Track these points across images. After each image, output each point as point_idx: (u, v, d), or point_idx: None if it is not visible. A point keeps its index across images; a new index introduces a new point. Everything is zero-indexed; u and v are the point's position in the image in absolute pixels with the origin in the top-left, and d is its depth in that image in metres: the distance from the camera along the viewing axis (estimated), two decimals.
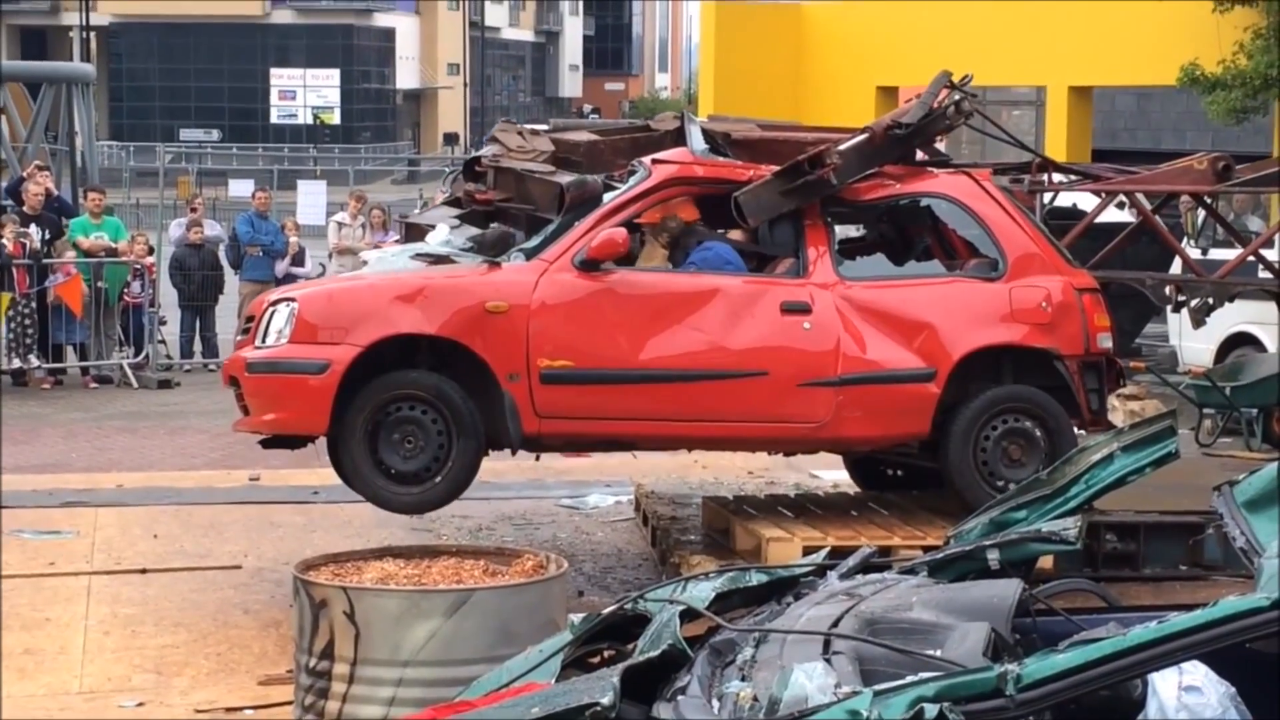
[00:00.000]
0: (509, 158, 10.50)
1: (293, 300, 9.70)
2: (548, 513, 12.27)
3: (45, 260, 19.48)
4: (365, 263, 10.81)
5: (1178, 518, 10.11)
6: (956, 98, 10.49)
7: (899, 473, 11.54)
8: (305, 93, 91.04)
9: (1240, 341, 17.01)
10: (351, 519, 11.92)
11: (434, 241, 10.36)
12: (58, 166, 26.52)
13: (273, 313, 9.69)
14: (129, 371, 19.78)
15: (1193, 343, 17.68)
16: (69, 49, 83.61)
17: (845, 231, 11.40)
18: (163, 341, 20.89)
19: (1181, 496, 10.11)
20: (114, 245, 20.26)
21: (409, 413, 9.54)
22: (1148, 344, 20.14)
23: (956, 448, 10.01)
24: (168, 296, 21.41)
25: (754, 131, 10.75)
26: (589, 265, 9.68)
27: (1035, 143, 21.72)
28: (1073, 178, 12.91)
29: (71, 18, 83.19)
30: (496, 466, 14.17)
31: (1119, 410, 16.16)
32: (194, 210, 22.80)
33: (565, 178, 9.99)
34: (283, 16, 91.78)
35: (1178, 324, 17.96)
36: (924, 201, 10.56)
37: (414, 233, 10.87)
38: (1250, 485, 5.41)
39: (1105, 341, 10.30)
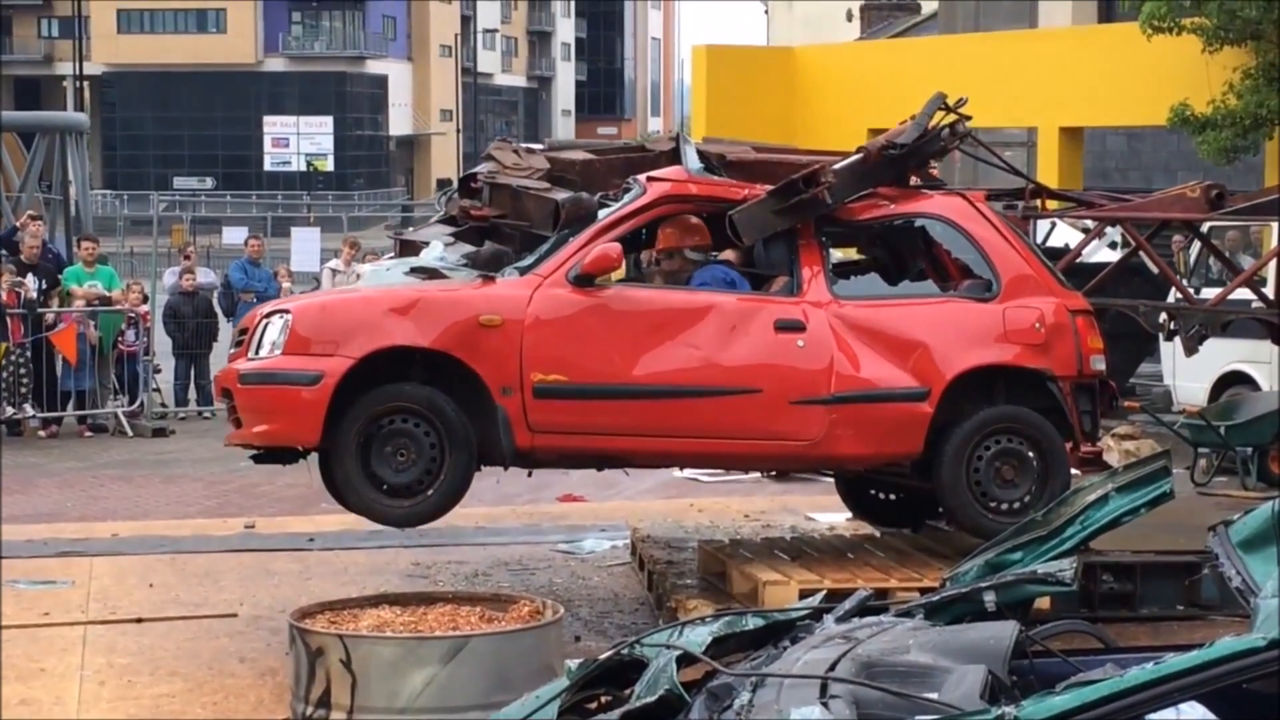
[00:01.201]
0: (504, 174, 10.52)
1: (286, 312, 9.68)
2: (544, 558, 12.25)
3: (41, 310, 19.48)
4: (359, 276, 10.79)
5: (1174, 558, 10.10)
6: (951, 120, 10.52)
7: (892, 497, 11.50)
8: (299, 140, 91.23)
9: (1234, 380, 17.01)
10: (347, 566, 11.91)
11: (429, 258, 10.34)
12: (52, 216, 26.54)
13: (266, 324, 9.68)
14: (124, 420, 19.77)
15: (1187, 382, 17.69)
16: (63, 98, 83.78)
17: (847, 255, 11.41)
18: (157, 389, 20.89)
19: (1178, 536, 10.11)
20: (108, 294, 20.28)
21: (402, 425, 9.50)
22: (1142, 383, 20.14)
23: (949, 468, 10.01)
24: (162, 344, 21.41)
25: (748, 153, 10.76)
26: (583, 280, 9.69)
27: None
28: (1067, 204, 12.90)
29: (65, 67, 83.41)
30: (493, 512, 14.20)
31: (1114, 450, 16.17)
32: (186, 258, 22.83)
33: (561, 194, 10.00)
34: (276, 64, 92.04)
35: (1172, 363, 17.99)
36: (918, 222, 10.55)
37: (408, 250, 10.85)
38: (1245, 525, 5.41)
39: (1098, 363, 10.30)
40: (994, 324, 10.12)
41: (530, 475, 11.23)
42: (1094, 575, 9.92)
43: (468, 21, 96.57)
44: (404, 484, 9.57)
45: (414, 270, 10.07)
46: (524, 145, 11.50)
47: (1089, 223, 18.24)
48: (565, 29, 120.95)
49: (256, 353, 9.64)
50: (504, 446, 9.63)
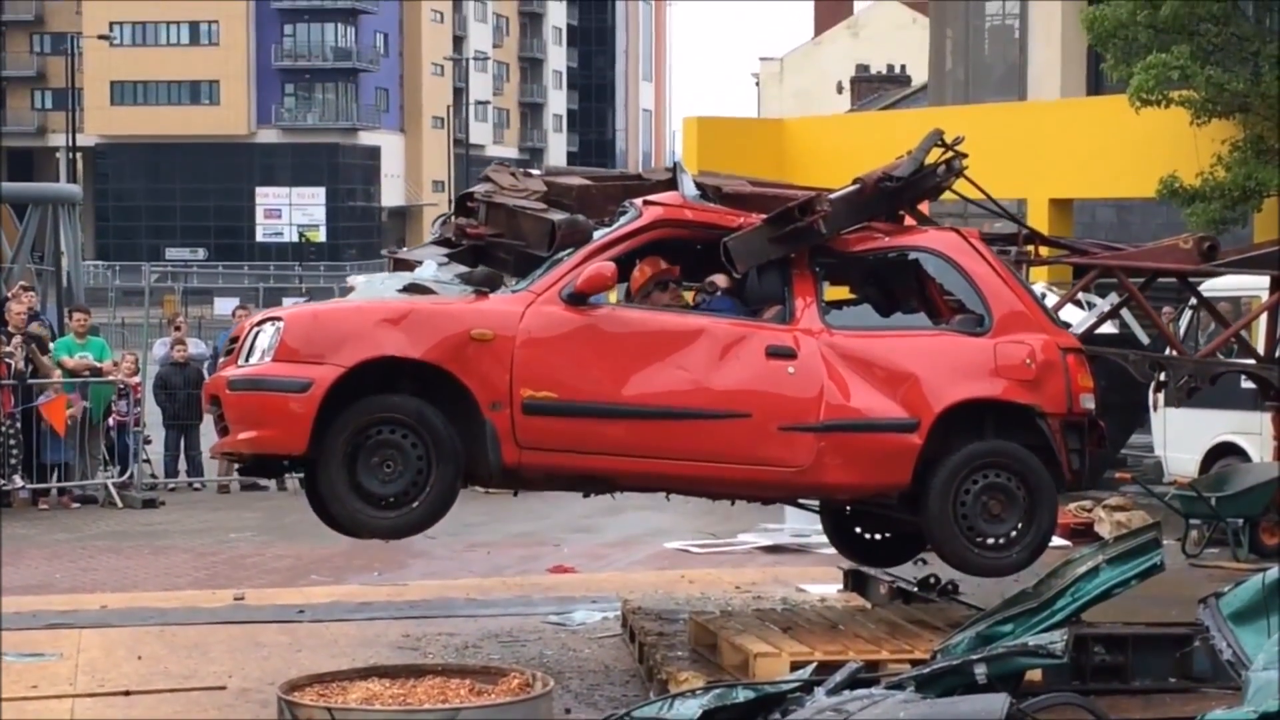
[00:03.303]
0: (501, 194, 10.53)
1: (278, 320, 9.65)
2: (534, 629, 12.20)
3: (30, 380, 19.45)
4: (353, 289, 10.75)
5: (1166, 630, 10.06)
6: (948, 157, 10.54)
7: (878, 536, 11.45)
8: (291, 211, 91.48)
9: (1225, 451, 17.01)
10: (337, 638, 11.86)
11: (422, 275, 10.32)
12: (43, 286, 26.57)
13: (258, 332, 9.65)
14: (114, 491, 19.72)
15: (1178, 453, 17.69)
16: (56, 169, 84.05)
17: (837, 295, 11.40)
18: (147, 460, 20.84)
19: (1170, 608, 10.08)
20: (99, 365, 20.26)
21: (389, 436, 9.47)
22: (1133, 454, 20.15)
23: (936, 501, 10.00)
24: (152, 415, 21.38)
25: (744, 186, 10.77)
26: (576, 299, 9.69)
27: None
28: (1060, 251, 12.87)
29: (58, 139, 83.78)
30: (484, 583, 14.16)
31: (1105, 521, 16.19)
32: (177, 329, 22.83)
33: (557, 215, 10.02)
34: (268, 136, 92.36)
35: (1163, 434, 17.99)
36: (912, 255, 10.57)
37: (401, 268, 10.85)
38: (1236, 597, 5.42)
39: (1088, 402, 10.30)
40: (985, 358, 10.14)
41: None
42: (1085, 647, 9.86)
43: (460, 93, 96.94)
44: (390, 495, 9.52)
45: (407, 287, 10.04)
46: (521, 169, 11.53)
47: (1080, 294, 18.32)
48: (557, 101, 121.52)
49: (246, 360, 9.61)
50: (491, 462, 9.59)
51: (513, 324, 9.59)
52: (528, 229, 10.14)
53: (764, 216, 10.09)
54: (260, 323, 9.74)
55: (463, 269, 10.55)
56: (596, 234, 10.01)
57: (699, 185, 10.55)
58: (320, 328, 9.57)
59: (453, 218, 11.15)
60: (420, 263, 10.66)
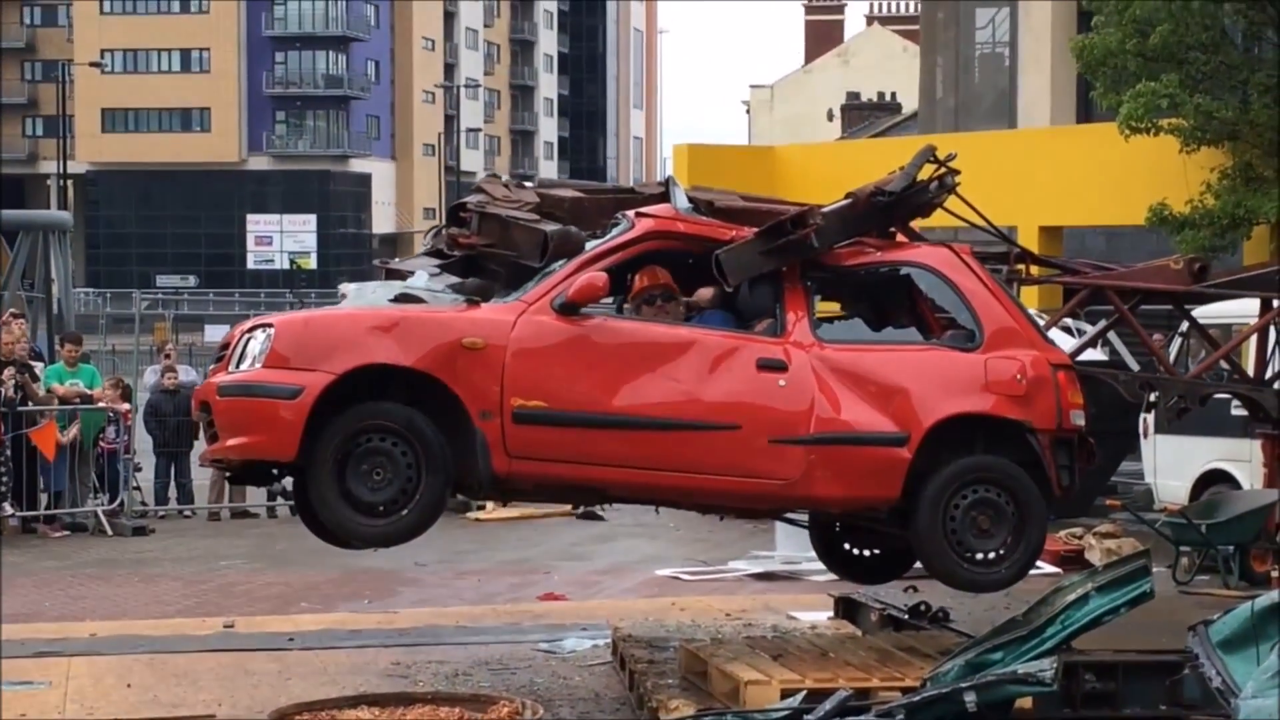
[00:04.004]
0: (495, 205, 10.54)
1: (269, 325, 9.63)
2: (525, 657, 12.19)
3: (20, 408, 19.43)
4: (344, 296, 10.73)
5: (1156, 657, 10.05)
6: (940, 173, 10.55)
7: (866, 552, 11.42)
8: (282, 238, 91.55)
9: (1215, 479, 17.02)
10: (327, 665, 11.83)
11: (413, 285, 10.31)
12: (34, 314, 26.54)
13: (249, 338, 9.63)
14: (103, 519, 19.69)
15: (1168, 480, 17.70)
16: (46, 197, 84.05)
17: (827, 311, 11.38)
18: (137, 488, 20.81)
19: (1160, 635, 10.07)
20: (89, 392, 20.25)
21: (379, 444, 9.44)
22: (1123, 482, 20.16)
23: (925, 515, 9.98)
24: (143, 443, 21.35)
25: (736, 201, 10.77)
26: (568, 309, 9.68)
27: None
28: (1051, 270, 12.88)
29: (49, 166, 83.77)
30: (474, 611, 14.14)
31: (1096, 548, 16.19)
32: (167, 356, 22.81)
33: (550, 226, 10.01)
34: (259, 163, 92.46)
35: (1153, 461, 18.00)
36: (904, 270, 10.56)
37: (393, 278, 10.84)
38: (1225, 625, 5.42)
39: (1078, 418, 10.29)
40: (976, 373, 10.13)
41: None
42: (1076, 674, 9.84)
43: (451, 121, 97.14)
44: (379, 503, 9.49)
45: (398, 297, 10.04)
46: (515, 181, 11.53)
47: (1069, 319, 18.32)
48: (548, 128, 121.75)
49: (237, 366, 9.59)
50: (481, 471, 9.56)
51: (504, 333, 9.58)
52: (520, 239, 10.14)
53: (757, 230, 10.09)
54: (251, 329, 9.71)
55: (455, 279, 10.55)
56: (589, 245, 10.01)
57: (691, 199, 10.57)
58: (311, 334, 9.55)
59: (445, 229, 11.15)
60: (413, 273, 10.67)
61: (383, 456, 9.45)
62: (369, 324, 9.52)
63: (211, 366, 10.27)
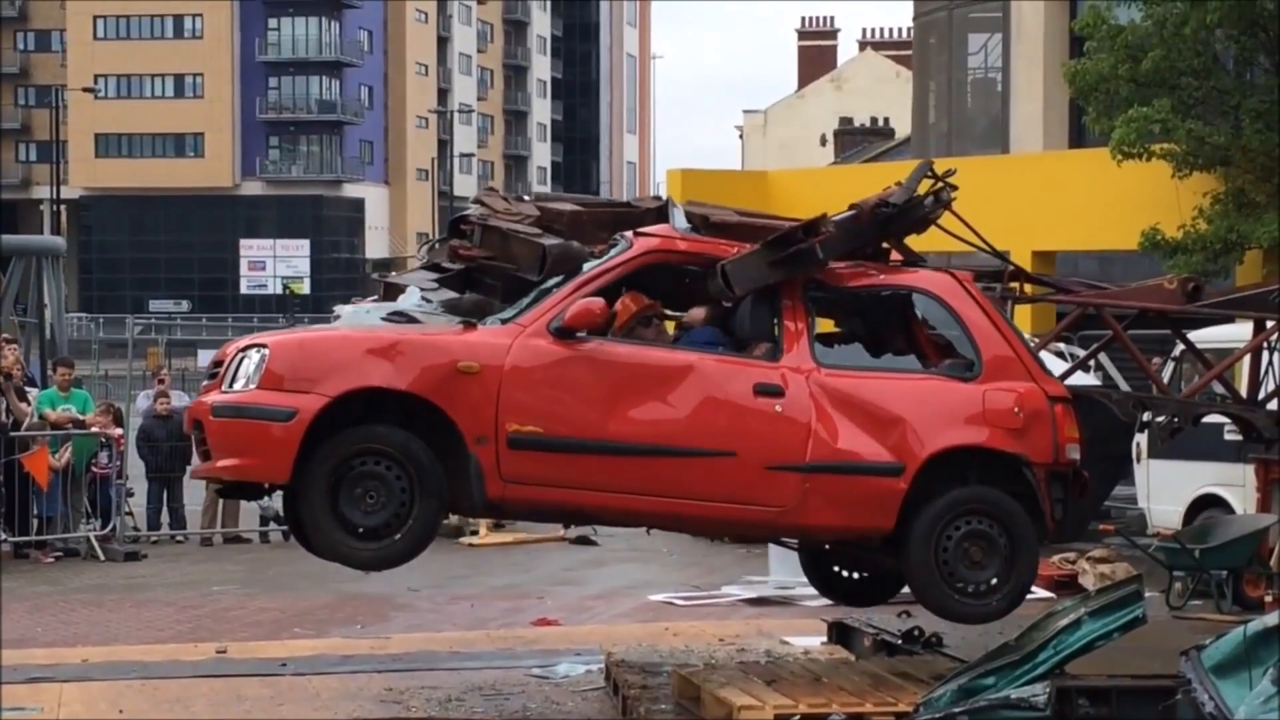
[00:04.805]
0: (496, 218, 10.53)
1: (264, 346, 9.58)
2: (518, 682, 12.17)
3: (13, 434, 19.40)
4: (339, 317, 10.71)
5: (1149, 682, 10.03)
6: (937, 188, 10.53)
7: (855, 575, 11.38)
8: (275, 263, 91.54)
9: (1208, 503, 17.01)
10: (320, 691, 11.81)
11: (407, 304, 10.29)
12: (26, 338, 26.51)
13: (242, 358, 9.58)
14: (96, 544, 19.64)
15: (1161, 505, 17.69)
16: (40, 222, 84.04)
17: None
18: (130, 513, 20.78)
19: (1154, 659, 10.06)
20: (81, 417, 20.22)
21: (373, 467, 9.42)
22: (1116, 506, 20.15)
23: (918, 546, 9.96)
24: (135, 468, 21.33)
25: (731, 216, 10.76)
26: (564, 333, 9.65)
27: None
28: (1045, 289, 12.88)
29: (42, 191, 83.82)
30: (467, 636, 14.12)
31: (1089, 573, 16.18)
32: (160, 381, 22.79)
33: (550, 240, 9.99)
34: (252, 188, 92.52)
35: (1146, 486, 18.00)
36: (905, 294, 10.55)
37: (391, 292, 10.83)
38: (1217, 650, 5.42)
39: (1074, 453, 10.28)
40: (973, 404, 10.11)
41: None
42: (1069, 699, 9.81)
43: (444, 146, 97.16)
44: (372, 526, 9.46)
45: (392, 315, 10.01)
46: (514, 194, 11.51)
47: (1062, 345, 18.34)
48: (541, 153, 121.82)
49: (231, 386, 9.55)
50: (475, 495, 9.53)
51: (500, 356, 9.55)
52: (520, 253, 10.11)
53: (763, 241, 10.04)
54: (245, 348, 9.67)
55: (451, 295, 10.53)
56: (587, 265, 9.98)
57: (688, 216, 10.55)
58: (306, 356, 9.52)
59: (444, 241, 11.13)
60: (410, 286, 10.65)
61: (377, 480, 9.43)
62: (364, 346, 9.49)
63: (204, 384, 10.20)
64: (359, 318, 10.22)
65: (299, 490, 9.49)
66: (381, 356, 9.43)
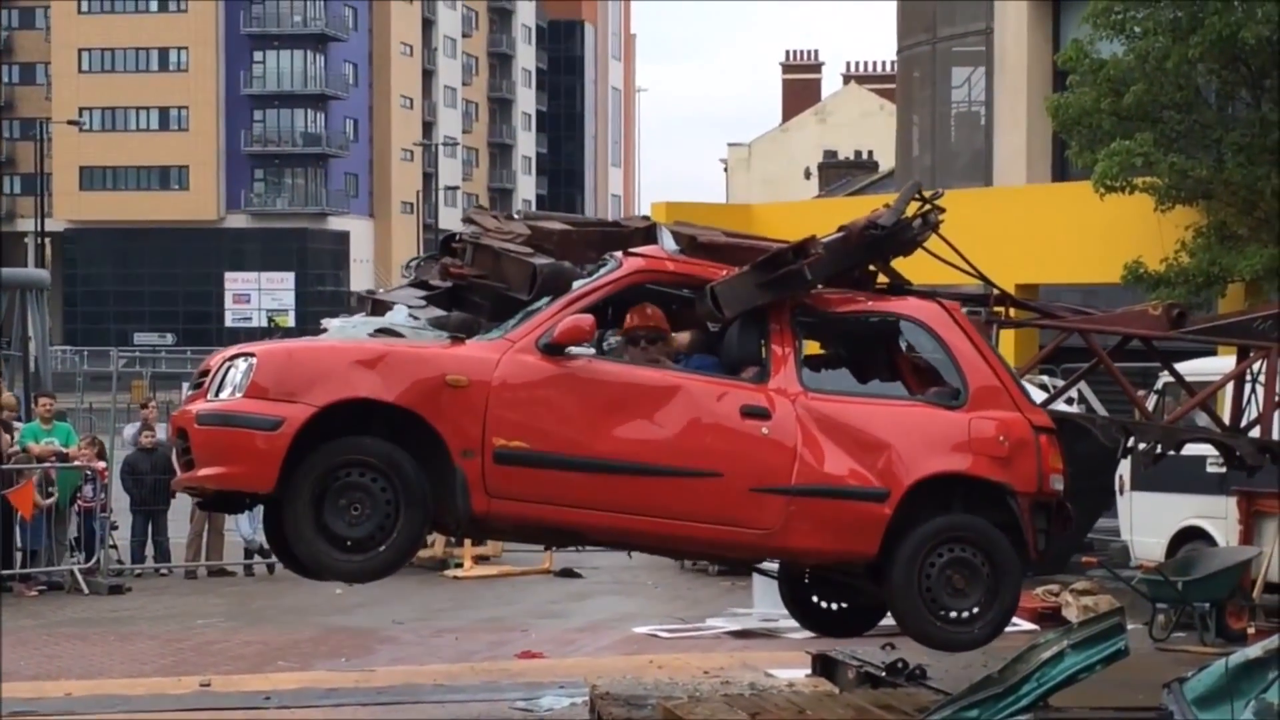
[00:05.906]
0: (487, 236, 10.54)
1: (251, 355, 9.53)
2: (502, 716, 12.18)
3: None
4: (325, 330, 10.70)
5: (1132, 714, 10.06)
6: (925, 210, 10.56)
7: (834, 606, 11.38)
8: (260, 295, 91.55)
9: (1191, 535, 17.06)
10: None
11: (393, 320, 10.28)
12: (10, 372, 26.50)
13: (229, 367, 9.53)
14: (80, 577, 19.61)
15: (1144, 537, 17.73)
16: (24, 255, 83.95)
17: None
18: (114, 546, 20.75)
19: (1136, 692, 10.10)
20: (65, 450, 20.20)
21: (358, 479, 9.37)
22: (1099, 538, 20.19)
23: (901, 572, 9.95)
24: (119, 501, 21.31)
25: (719, 237, 10.78)
26: (552, 349, 9.64)
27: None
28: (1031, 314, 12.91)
29: (27, 224, 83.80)
30: (451, 669, 14.11)
31: (1072, 605, 16.21)
32: (146, 414, 22.77)
33: (540, 260, 9.98)
34: (237, 221, 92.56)
35: (1129, 518, 18.04)
36: (893, 321, 10.58)
37: (379, 308, 10.83)
38: (1200, 682, 5.45)
39: (1058, 483, 10.28)
40: (959, 432, 10.12)
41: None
42: None
43: (429, 179, 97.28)
44: (356, 538, 9.41)
45: (378, 331, 10.01)
46: (504, 213, 11.51)
47: (1044, 378, 18.38)
48: (526, 186, 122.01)
49: (216, 394, 9.49)
50: (460, 510, 9.48)
51: (488, 371, 9.53)
52: (510, 272, 10.11)
53: (753, 263, 10.07)
54: (232, 357, 9.61)
55: (439, 312, 10.54)
56: (577, 284, 10.01)
57: (674, 233, 10.58)
58: (294, 366, 9.47)
59: (431, 258, 11.13)
60: (397, 304, 10.66)
61: (361, 492, 9.38)
62: (352, 357, 9.47)
63: (189, 393, 10.15)
64: (346, 332, 10.21)
65: (283, 500, 9.45)
66: (369, 368, 9.41)
